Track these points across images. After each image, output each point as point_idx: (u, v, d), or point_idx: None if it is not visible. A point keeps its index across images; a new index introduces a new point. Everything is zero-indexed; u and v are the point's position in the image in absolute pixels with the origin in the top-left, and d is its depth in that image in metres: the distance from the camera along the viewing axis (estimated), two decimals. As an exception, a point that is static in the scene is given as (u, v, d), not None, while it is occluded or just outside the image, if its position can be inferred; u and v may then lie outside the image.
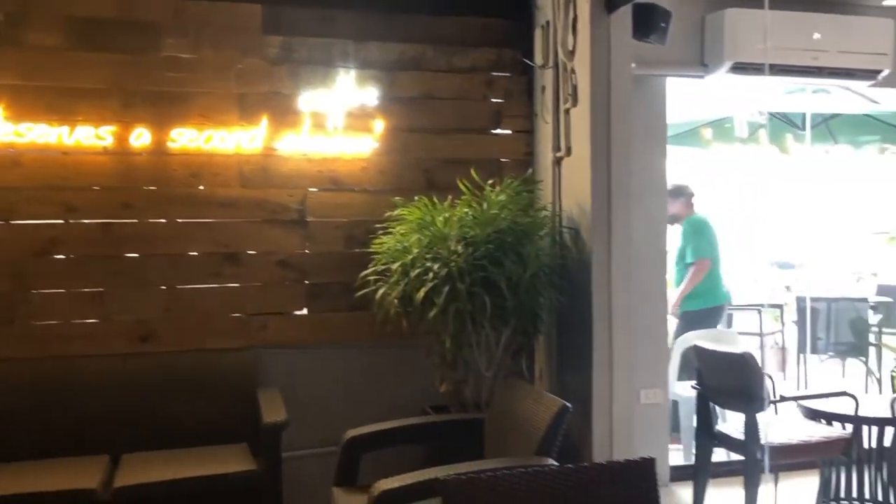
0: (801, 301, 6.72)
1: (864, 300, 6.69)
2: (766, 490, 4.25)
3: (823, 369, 7.21)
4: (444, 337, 3.53)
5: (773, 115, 5.89)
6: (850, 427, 3.78)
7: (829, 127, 6.51)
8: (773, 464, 3.90)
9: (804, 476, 4.28)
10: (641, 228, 4.25)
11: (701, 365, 3.95)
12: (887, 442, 3.79)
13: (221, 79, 3.95)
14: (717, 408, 4.32)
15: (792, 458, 3.74)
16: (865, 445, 3.93)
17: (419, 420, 3.36)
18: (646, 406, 4.47)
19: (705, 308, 5.30)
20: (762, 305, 7.52)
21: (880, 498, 3.85)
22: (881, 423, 3.71)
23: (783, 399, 3.90)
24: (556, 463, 2.69)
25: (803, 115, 6.34)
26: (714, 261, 5.30)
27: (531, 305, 3.64)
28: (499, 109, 4.34)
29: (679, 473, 4.54)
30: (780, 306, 7.48)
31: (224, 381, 3.89)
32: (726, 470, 4.35)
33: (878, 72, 4.44)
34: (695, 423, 4.13)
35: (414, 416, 3.55)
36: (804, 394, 4.16)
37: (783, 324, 7.32)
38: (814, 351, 6.54)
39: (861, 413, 3.71)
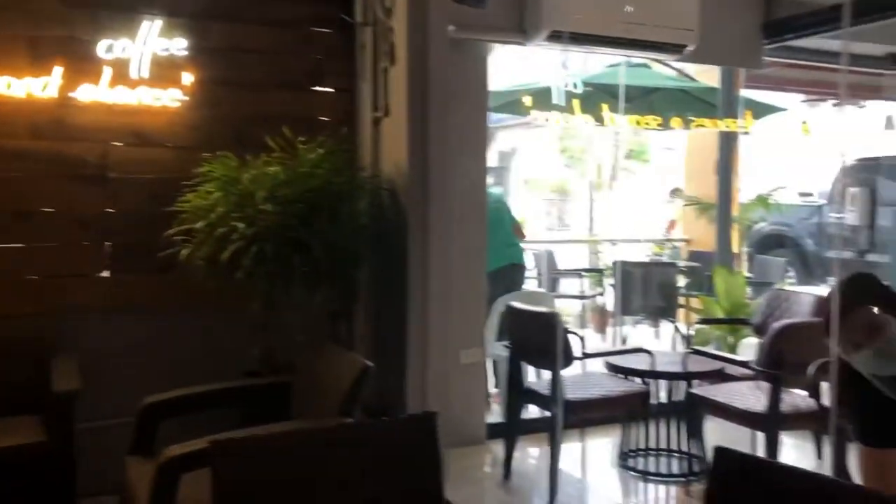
0: (616, 266, 7.07)
1: (674, 265, 7.14)
2: (574, 446, 4.48)
3: (641, 330, 7.67)
4: (254, 300, 3.42)
5: (594, 86, 6.11)
6: (650, 382, 4.04)
7: (650, 101, 6.85)
8: (577, 418, 4.10)
9: (611, 431, 4.54)
10: (461, 190, 4.30)
11: (512, 324, 4.06)
12: (682, 395, 4.07)
13: (8, 19, 3.60)
14: (534, 367, 4.48)
15: (595, 412, 3.93)
16: (664, 399, 4.22)
17: (222, 385, 3.25)
18: (465, 366, 4.57)
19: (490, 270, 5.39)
20: (583, 270, 7.89)
21: (674, 447, 4.14)
22: (673, 377, 3.97)
23: (586, 356, 4.08)
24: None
25: (625, 88, 6.64)
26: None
27: (347, 267, 3.60)
28: (318, 66, 4.22)
29: (497, 430, 4.68)
30: (600, 271, 7.86)
31: (15, 349, 3.60)
32: (541, 425, 4.53)
33: (684, 46, 4.68)
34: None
35: (222, 382, 3.42)
36: (613, 350, 4.36)
37: (603, 287, 7.69)
38: (629, 313, 6.91)
39: (656, 368, 3.96)
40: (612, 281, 7.09)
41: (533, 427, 4.33)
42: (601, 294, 7.74)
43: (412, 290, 3.73)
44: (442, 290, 3.83)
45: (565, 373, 4.05)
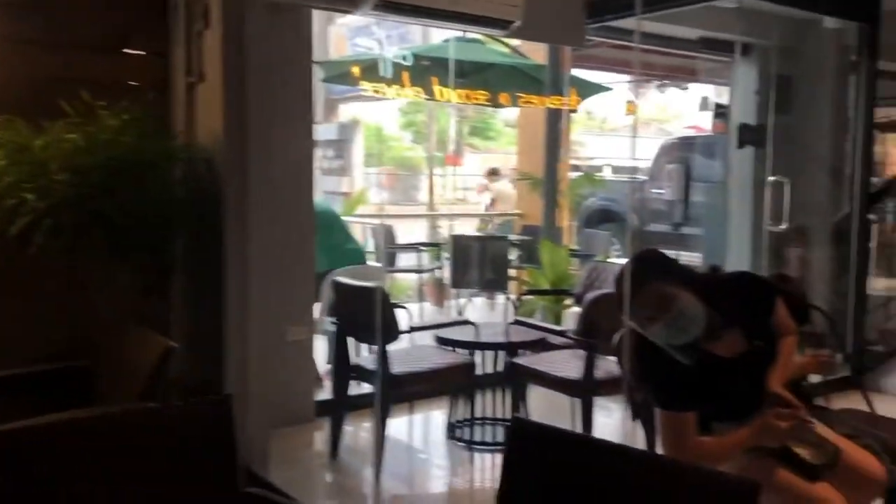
0: (451, 240, 7.13)
1: (505, 238, 7.29)
2: (403, 420, 4.49)
3: (478, 303, 7.81)
4: (52, 277, 3.15)
5: (429, 59, 6.09)
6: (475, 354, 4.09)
7: (485, 77, 6.92)
8: (405, 392, 4.09)
9: (442, 404, 4.57)
10: (285, 160, 4.15)
11: (338, 299, 3.98)
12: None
13: None
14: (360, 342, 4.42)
15: (422, 385, 3.94)
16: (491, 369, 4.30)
17: (7, 373, 2.96)
18: (293, 343, 4.45)
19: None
20: (421, 245, 7.92)
21: (499, 415, 4.22)
22: (496, 347, 4.04)
23: (412, 329, 4.08)
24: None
25: (459, 62, 6.68)
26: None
27: (157, 241, 3.38)
28: (127, 27, 3.91)
29: (327, 408, 4.60)
30: (438, 245, 7.91)
31: None
32: (370, 401, 4.49)
33: (511, 22, 4.72)
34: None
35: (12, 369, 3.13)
36: (438, 323, 4.38)
37: (441, 261, 7.75)
38: (463, 286, 6.99)
39: (480, 339, 4.01)
40: (447, 255, 7.14)
41: (362, 403, 4.28)
42: (439, 268, 7.81)
43: (230, 265, 3.56)
44: (264, 265, 3.68)
45: (394, 347, 4.04)
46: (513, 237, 7.57)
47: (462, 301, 7.26)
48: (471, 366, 3.94)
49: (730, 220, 6.48)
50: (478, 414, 4.27)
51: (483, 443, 4.19)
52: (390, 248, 7.58)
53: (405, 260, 8.10)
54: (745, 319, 2.39)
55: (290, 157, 4.22)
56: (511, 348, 4.01)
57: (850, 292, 5.51)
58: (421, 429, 4.54)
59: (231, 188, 3.54)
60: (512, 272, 7.24)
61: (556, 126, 5.62)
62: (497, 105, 5.68)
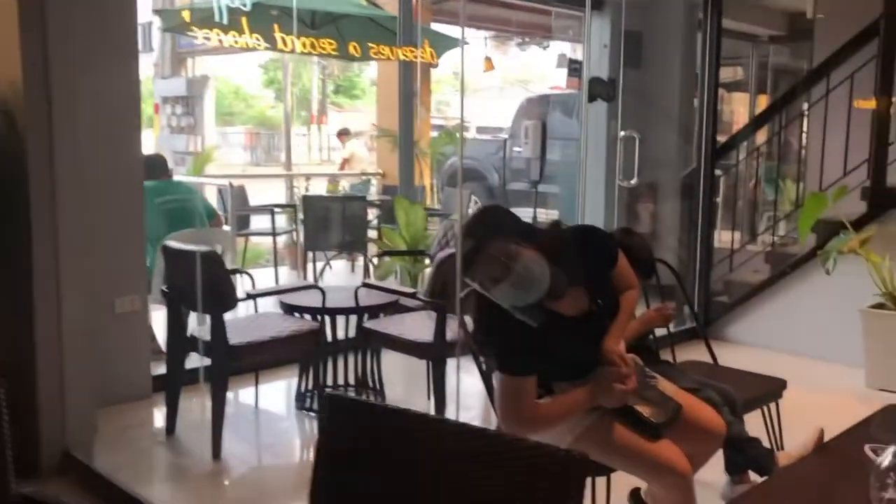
0: (307, 200, 6.86)
1: (363, 198, 7.08)
2: (248, 392, 4.22)
3: (337, 265, 7.57)
4: None
5: (274, 7, 5.72)
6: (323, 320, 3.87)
7: (337, 26, 6.60)
8: (246, 363, 3.84)
9: (290, 373, 4.34)
10: (105, 112, 3.76)
11: (168, 266, 3.65)
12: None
13: None
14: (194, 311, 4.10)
15: (264, 354, 3.68)
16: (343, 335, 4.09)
17: None
18: (122, 315, 4.09)
19: None
20: (275, 206, 7.56)
21: (352, 382, 4.03)
22: (342, 312, 3.83)
23: (250, 297, 3.81)
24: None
25: (311, 12, 6.33)
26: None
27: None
28: None
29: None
30: (294, 206, 7.59)
31: None
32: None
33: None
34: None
35: None
36: (281, 288, 4.12)
37: (297, 223, 7.45)
38: (318, 248, 6.75)
39: (329, 305, 3.79)
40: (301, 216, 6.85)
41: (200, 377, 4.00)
42: (295, 230, 7.50)
43: (37, 231, 3.17)
44: (82, 230, 3.31)
45: (241, 315, 3.76)
46: (374, 197, 7.36)
47: (321, 264, 7.00)
48: (316, 332, 3.72)
49: (585, 177, 6.51)
50: (331, 382, 4.06)
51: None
52: (242, 211, 7.19)
53: (261, 223, 7.73)
54: (588, 275, 2.29)
55: (109, 106, 3.81)
56: (359, 313, 3.81)
57: (697, 246, 5.65)
58: (270, 400, 4.30)
59: (35, 143, 3.14)
60: (372, 233, 7.06)
61: (409, 80, 5.41)
62: (347, 56, 5.40)
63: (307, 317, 3.83)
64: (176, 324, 3.65)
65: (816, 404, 4.36)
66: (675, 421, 2.31)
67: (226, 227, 7.22)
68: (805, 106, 6.02)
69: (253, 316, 3.96)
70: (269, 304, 4.17)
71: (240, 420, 4.02)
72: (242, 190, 7.50)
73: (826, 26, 6.57)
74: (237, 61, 12.65)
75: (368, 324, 3.84)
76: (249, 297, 3.77)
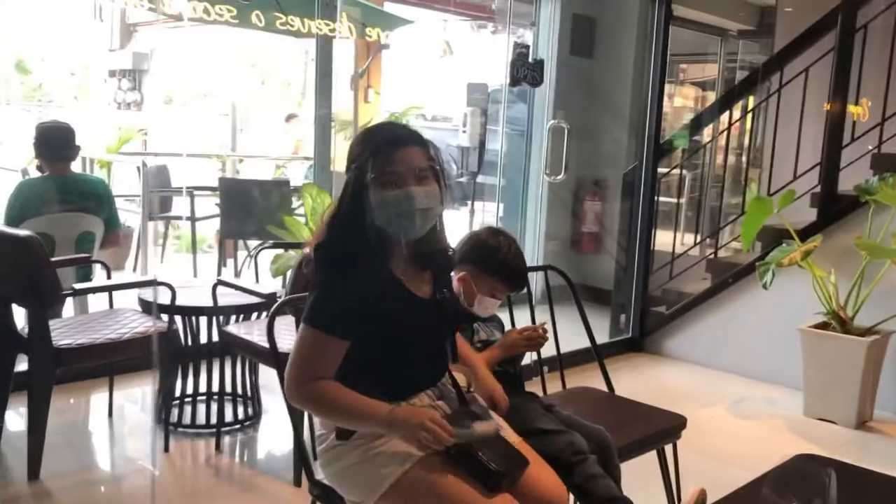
0: (223, 183, 6.34)
1: (287, 183, 6.57)
2: (102, 399, 3.72)
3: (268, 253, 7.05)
4: None
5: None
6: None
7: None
8: (76, 369, 3.34)
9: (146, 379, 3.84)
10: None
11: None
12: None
13: None
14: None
15: (98, 359, 3.17)
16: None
17: None
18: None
19: None
20: (196, 188, 7.03)
21: (215, 389, 3.53)
22: (199, 312, 3.34)
23: (78, 292, 3.30)
24: None
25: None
26: None
27: None
28: None
29: None
30: (216, 189, 7.05)
31: None
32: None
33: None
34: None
35: None
36: (115, 284, 3.58)
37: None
38: (237, 236, 6.25)
39: (187, 303, 3.30)
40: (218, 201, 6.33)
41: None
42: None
43: None
44: None
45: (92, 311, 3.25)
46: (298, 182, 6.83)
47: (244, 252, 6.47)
48: (167, 335, 3.21)
49: (528, 169, 6.05)
50: (199, 389, 3.58)
51: (191, 425, 3.51)
52: (166, 192, 6.64)
53: (184, 205, 7.19)
54: (437, 263, 1.93)
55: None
56: (215, 314, 3.31)
57: (635, 250, 5.18)
58: (128, 410, 3.79)
59: None
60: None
61: (326, 57, 4.92)
62: (249, 26, 4.88)
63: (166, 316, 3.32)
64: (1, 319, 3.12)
65: (742, 436, 3.92)
66: (519, 474, 1.84)
67: (135, 211, 6.73)
68: (755, 102, 5.57)
69: (102, 312, 3.45)
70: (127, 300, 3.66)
71: (80, 434, 3.51)
72: (164, 170, 6.97)
73: (791, 19, 6.11)
74: (192, 35, 12.06)
75: (231, 327, 3.34)
76: (76, 292, 3.26)
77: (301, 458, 2.00)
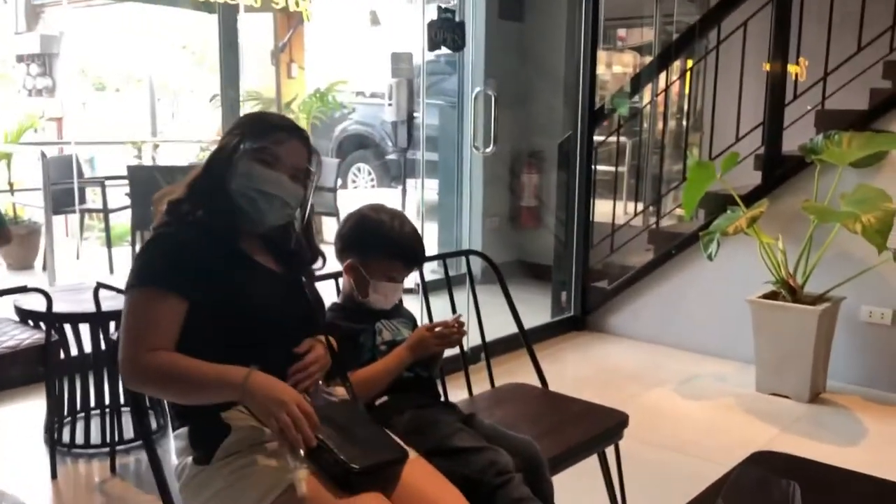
0: (131, 171, 5.87)
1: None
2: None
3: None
4: None
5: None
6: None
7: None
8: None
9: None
10: None
11: None
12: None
13: None
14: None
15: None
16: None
17: None
18: None
19: None
20: (107, 178, 6.54)
21: (107, 402, 3.14)
22: (79, 319, 2.94)
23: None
24: None
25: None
26: None
27: None
28: None
29: None
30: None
31: None
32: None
33: None
34: None
35: None
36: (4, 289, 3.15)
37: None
38: (146, 227, 5.78)
39: (66, 309, 2.90)
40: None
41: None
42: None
43: None
44: None
45: None
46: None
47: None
48: (43, 348, 2.80)
49: (462, 143, 5.70)
50: (90, 404, 3.18)
51: (86, 444, 3.11)
52: (64, 183, 6.13)
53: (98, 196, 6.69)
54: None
55: None
56: (99, 320, 2.91)
57: (574, 222, 4.90)
58: (14, 429, 3.38)
59: None
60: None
61: (231, 28, 4.49)
62: (155, 0, 4.43)
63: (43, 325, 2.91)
64: None
65: (693, 419, 3.66)
66: (391, 470, 1.53)
67: (35, 207, 6.22)
68: (690, 62, 5.31)
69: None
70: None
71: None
72: (69, 160, 6.43)
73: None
74: (103, 14, 11.35)
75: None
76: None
77: (163, 495, 1.64)
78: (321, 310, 1.79)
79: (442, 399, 2.01)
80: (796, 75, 4.43)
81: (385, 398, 1.87)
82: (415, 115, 6.03)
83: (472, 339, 2.60)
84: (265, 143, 1.66)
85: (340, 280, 2.06)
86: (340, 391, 1.72)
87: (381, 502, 1.47)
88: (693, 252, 4.40)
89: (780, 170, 4.14)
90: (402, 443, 1.62)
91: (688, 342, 4.53)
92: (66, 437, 3.13)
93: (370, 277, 1.90)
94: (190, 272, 1.55)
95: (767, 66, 4.20)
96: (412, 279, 2.24)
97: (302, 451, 1.43)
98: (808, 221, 3.78)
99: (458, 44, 3.97)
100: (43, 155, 5.64)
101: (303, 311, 1.72)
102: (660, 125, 5.63)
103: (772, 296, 3.93)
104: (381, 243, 1.91)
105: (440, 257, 2.52)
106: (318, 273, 1.84)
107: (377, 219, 1.94)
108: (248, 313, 1.60)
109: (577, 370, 4.39)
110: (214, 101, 9.08)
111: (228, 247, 1.65)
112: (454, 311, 2.36)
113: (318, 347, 1.69)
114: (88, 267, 6.43)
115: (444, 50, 4.05)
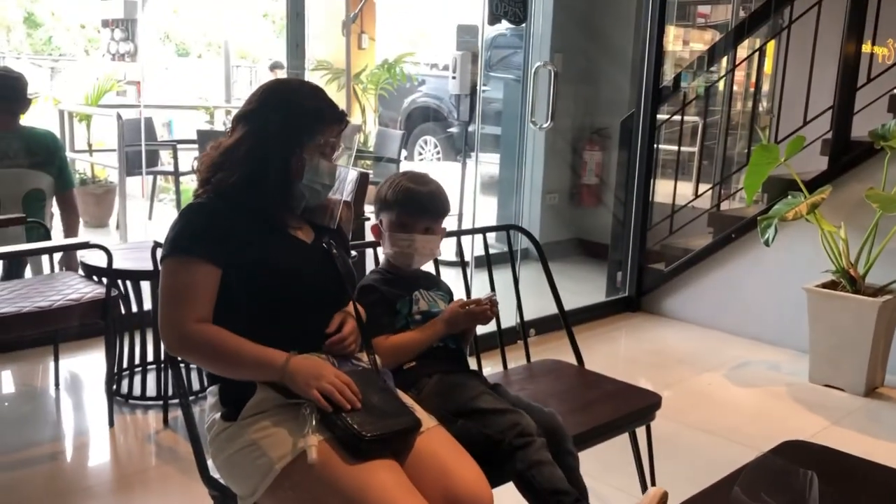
0: (201, 136, 6.05)
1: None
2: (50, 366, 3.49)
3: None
4: None
5: None
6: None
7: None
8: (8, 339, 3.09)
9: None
10: None
11: None
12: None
13: None
14: None
15: (25, 330, 2.92)
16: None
17: None
18: None
19: None
20: (178, 142, 6.75)
21: (163, 357, 3.28)
22: (139, 276, 3.07)
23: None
24: None
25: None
26: None
27: None
28: None
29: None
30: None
31: None
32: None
33: None
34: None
35: None
36: (35, 248, 3.29)
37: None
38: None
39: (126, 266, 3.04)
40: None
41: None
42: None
43: None
44: None
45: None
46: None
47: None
48: (103, 302, 2.94)
49: (525, 118, 5.67)
50: (147, 358, 3.34)
51: (141, 397, 3.27)
52: (148, 146, 6.34)
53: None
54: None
55: None
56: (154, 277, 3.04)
57: (633, 202, 4.84)
58: (78, 382, 3.56)
59: None
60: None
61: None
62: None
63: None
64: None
65: (740, 406, 3.61)
66: (402, 438, 1.58)
67: (110, 167, 6.46)
68: (762, 41, 5.13)
69: (39, 278, 3.20)
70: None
71: (22, 406, 3.29)
72: (147, 122, 6.66)
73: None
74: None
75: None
76: (-2, 256, 3.00)
77: (196, 451, 1.73)
78: (351, 281, 1.84)
79: (470, 369, 2.04)
80: (881, 59, 4.26)
81: (413, 363, 1.92)
82: (483, 88, 6.00)
83: (513, 316, 2.63)
84: (327, 136, 1.73)
85: (380, 249, 2.11)
86: (367, 360, 1.77)
87: (394, 469, 1.52)
88: (752, 237, 4.30)
89: (846, 156, 4.01)
90: (420, 410, 1.67)
91: (742, 328, 4.45)
92: (124, 389, 3.30)
93: (387, 231, 1.97)
94: (221, 241, 1.61)
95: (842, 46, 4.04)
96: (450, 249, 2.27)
97: (345, 413, 1.51)
98: (872, 210, 3.65)
99: (519, 17, 3.94)
100: (119, 117, 5.86)
101: (334, 281, 1.76)
102: (728, 105, 5.47)
103: (831, 285, 3.82)
104: (403, 198, 1.96)
105: (480, 231, 2.54)
106: (356, 242, 1.90)
107: (393, 178, 2.01)
108: (280, 281, 1.65)
109: (628, 351, 4.37)
110: (276, 71, 9.25)
111: (261, 216, 1.70)
112: (492, 288, 2.38)
113: (350, 321, 1.74)
114: (159, 227, 6.68)
115: (504, 24, 4.03)
